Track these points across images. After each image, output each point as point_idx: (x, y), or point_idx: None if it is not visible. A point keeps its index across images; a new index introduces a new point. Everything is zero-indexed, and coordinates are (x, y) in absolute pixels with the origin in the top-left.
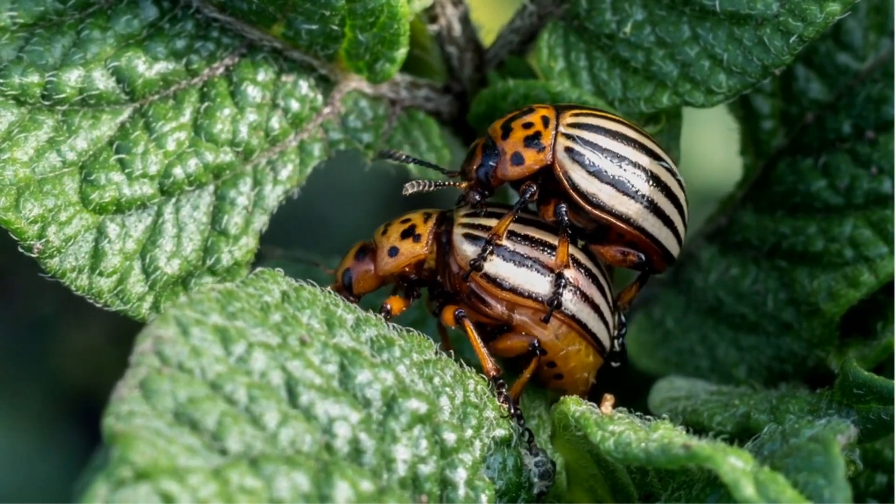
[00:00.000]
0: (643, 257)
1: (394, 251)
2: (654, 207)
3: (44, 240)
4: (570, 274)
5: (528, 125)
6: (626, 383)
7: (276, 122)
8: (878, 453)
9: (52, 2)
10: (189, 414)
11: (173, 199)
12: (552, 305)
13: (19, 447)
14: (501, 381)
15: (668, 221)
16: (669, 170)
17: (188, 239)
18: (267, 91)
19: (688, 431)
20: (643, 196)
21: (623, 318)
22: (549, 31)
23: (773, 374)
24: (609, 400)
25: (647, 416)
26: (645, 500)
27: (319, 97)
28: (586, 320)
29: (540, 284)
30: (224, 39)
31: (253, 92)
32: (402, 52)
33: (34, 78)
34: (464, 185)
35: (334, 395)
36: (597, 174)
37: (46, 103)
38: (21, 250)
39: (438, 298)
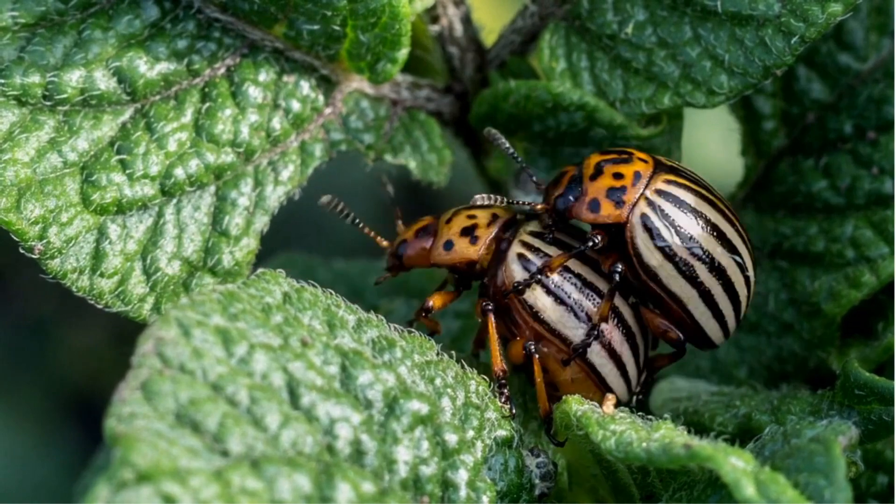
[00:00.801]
0: (682, 337)
1: (448, 245)
2: (708, 298)
3: (45, 241)
4: (606, 327)
5: (618, 175)
6: None
7: (277, 123)
8: (879, 454)
9: (54, 2)
10: (190, 415)
11: (174, 200)
12: (576, 352)
13: (19, 447)
14: (504, 381)
15: (718, 314)
16: (741, 265)
17: (189, 240)
18: (268, 91)
19: (689, 432)
20: (701, 284)
21: (651, 378)
22: (551, 31)
23: (773, 375)
24: (611, 399)
25: (649, 417)
26: (646, 501)
27: (321, 97)
28: (607, 375)
29: (572, 328)
30: (225, 40)
31: (254, 92)
32: (403, 53)
33: (35, 78)
34: (541, 206)
35: (336, 397)
36: (662, 249)
37: (48, 104)
38: (22, 251)
39: (483, 297)
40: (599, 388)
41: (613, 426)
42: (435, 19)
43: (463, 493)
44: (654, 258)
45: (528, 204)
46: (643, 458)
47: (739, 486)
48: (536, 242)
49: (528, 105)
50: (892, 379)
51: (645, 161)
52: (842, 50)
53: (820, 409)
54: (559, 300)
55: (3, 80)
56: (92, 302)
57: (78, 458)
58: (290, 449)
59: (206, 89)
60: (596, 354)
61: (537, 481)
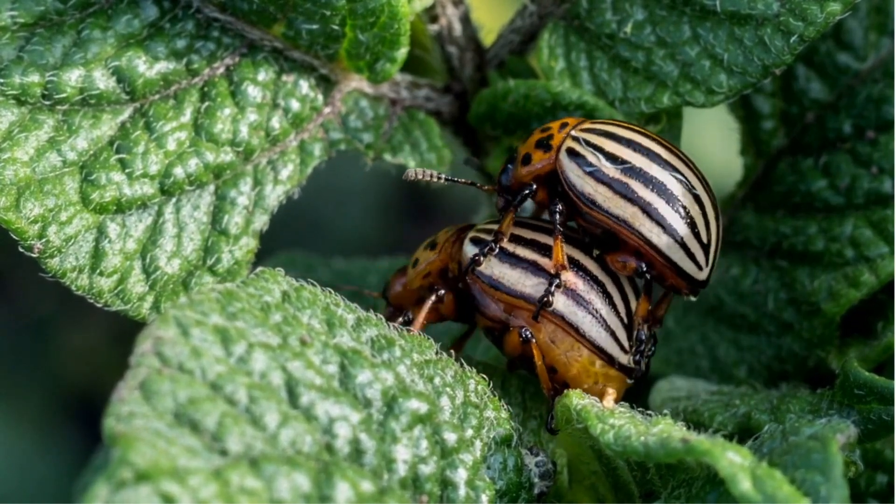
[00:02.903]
0: (644, 266)
1: (415, 262)
2: (653, 214)
3: (44, 240)
4: (568, 277)
5: (545, 129)
6: None
7: (276, 122)
8: (878, 453)
9: (53, 1)
10: (189, 415)
11: (174, 199)
12: (540, 303)
13: (19, 447)
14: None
15: (670, 230)
16: (684, 183)
17: (189, 239)
18: (267, 91)
19: (688, 429)
20: (640, 199)
21: (642, 334)
22: (550, 30)
23: (773, 374)
24: (611, 394)
25: (648, 413)
26: (646, 499)
27: (320, 97)
28: (580, 323)
29: (532, 285)
30: (224, 39)
31: (253, 92)
32: (402, 52)
33: (35, 77)
34: (488, 187)
35: (335, 396)
36: (593, 174)
37: (47, 103)
38: (21, 250)
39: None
40: (581, 342)
41: (612, 420)
42: (434, 19)
43: (462, 491)
44: (587, 185)
45: (475, 184)
46: (641, 452)
47: (736, 480)
48: (489, 226)
49: (527, 104)
50: (892, 378)
51: (574, 118)
52: (841, 49)
53: (819, 409)
54: (514, 264)
55: (2, 80)
56: (91, 301)
57: (78, 458)
58: (288, 448)
59: (206, 89)
60: (562, 304)
61: (536, 480)
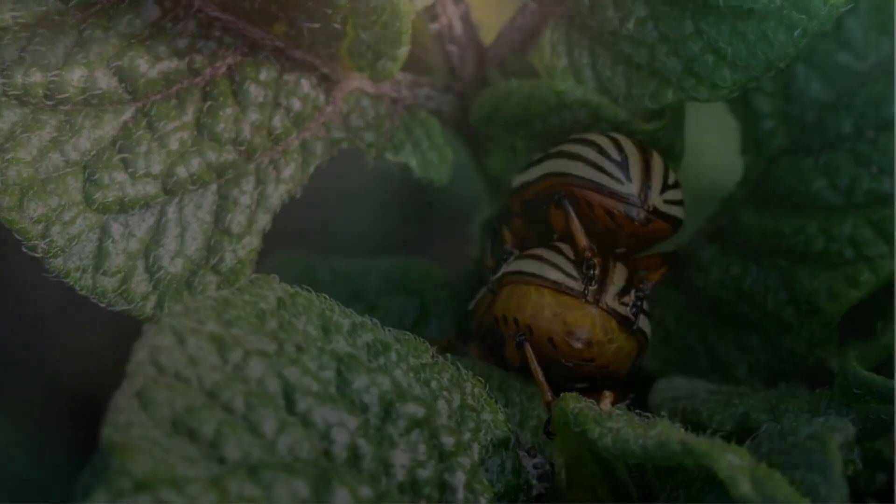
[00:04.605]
0: (560, 193)
1: None
2: (562, 154)
3: (48, 239)
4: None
5: None
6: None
7: (278, 121)
8: (877, 453)
9: (55, 1)
10: (187, 423)
11: (176, 199)
12: (493, 272)
13: (18, 447)
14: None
15: (575, 156)
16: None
17: (192, 238)
18: (269, 90)
19: (687, 430)
20: (554, 153)
21: (592, 260)
22: (551, 28)
23: (773, 374)
24: (608, 397)
25: (646, 414)
26: (644, 500)
27: (321, 96)
28: (522, 268)
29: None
30: (226, 38)
31: (255, 91)
32: (404, 51)
33: (37, 78)
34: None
35: (332, 402)
36: (524, 168)
37: (49, 103)
38: (25, 250)
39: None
40: (527, 282)
41: (610, 423)
42: (434, 17)
43: (460, 495)
44: (520, 177)
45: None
46: (640, 455)
47: (736, 482)
48: None
49: (530, 104)
50: (891, 378)
51: None
52: (841, 49)
53: (818, 408)
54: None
55: (4, 80)
56: (95, 300)
57: (78, 458)
58: (286, 455)
59: (208, 88)
60: (513, 265)
61: (534, 482)
